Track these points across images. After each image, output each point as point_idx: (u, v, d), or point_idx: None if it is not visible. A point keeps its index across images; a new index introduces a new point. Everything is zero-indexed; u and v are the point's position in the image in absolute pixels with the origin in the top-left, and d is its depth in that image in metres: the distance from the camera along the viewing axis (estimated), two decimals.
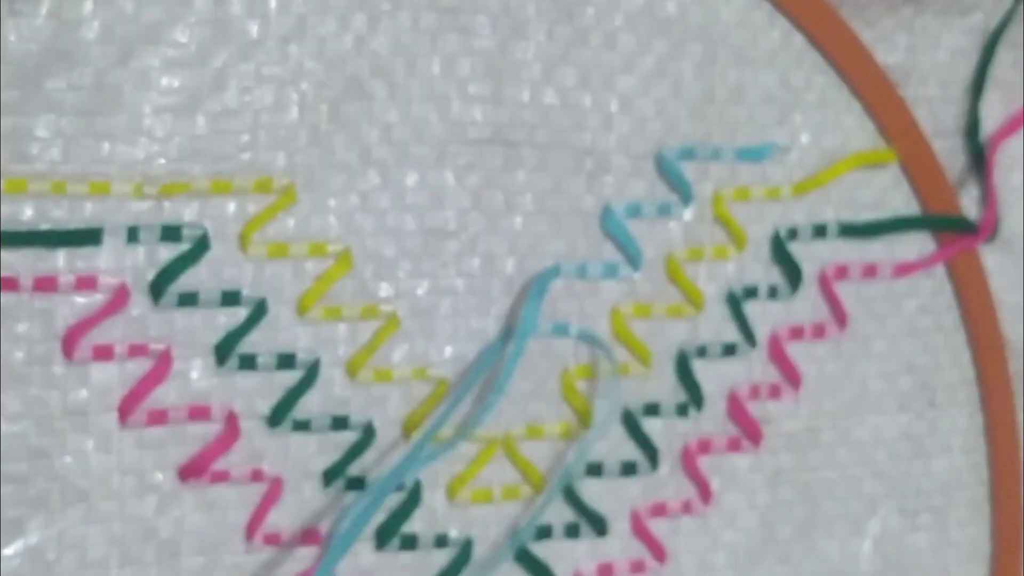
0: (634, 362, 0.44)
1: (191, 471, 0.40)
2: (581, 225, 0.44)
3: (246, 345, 0.41)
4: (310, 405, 0.41)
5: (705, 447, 0.45)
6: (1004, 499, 0.49)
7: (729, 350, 0.45)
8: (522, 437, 0.43)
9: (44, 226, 0.39)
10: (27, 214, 0.39)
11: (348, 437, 0.42)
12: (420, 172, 0.42)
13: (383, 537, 0.42)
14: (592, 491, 0.44)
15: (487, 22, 0.42)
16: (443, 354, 0.42)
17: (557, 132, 0.43)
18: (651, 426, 0.44)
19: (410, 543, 0.42)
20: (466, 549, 0.43)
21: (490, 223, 0.43)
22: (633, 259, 0.44)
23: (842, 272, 0.47)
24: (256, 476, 0.41)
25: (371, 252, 0.42)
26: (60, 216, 0.39)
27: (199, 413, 0.40)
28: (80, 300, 0.39)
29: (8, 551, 0.39)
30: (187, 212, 0.40)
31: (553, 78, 0.43)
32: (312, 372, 0.41)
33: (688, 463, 0.45)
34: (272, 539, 0.41)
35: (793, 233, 0.46)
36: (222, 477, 0.41)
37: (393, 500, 0.42)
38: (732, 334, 0.45)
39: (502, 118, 0.43)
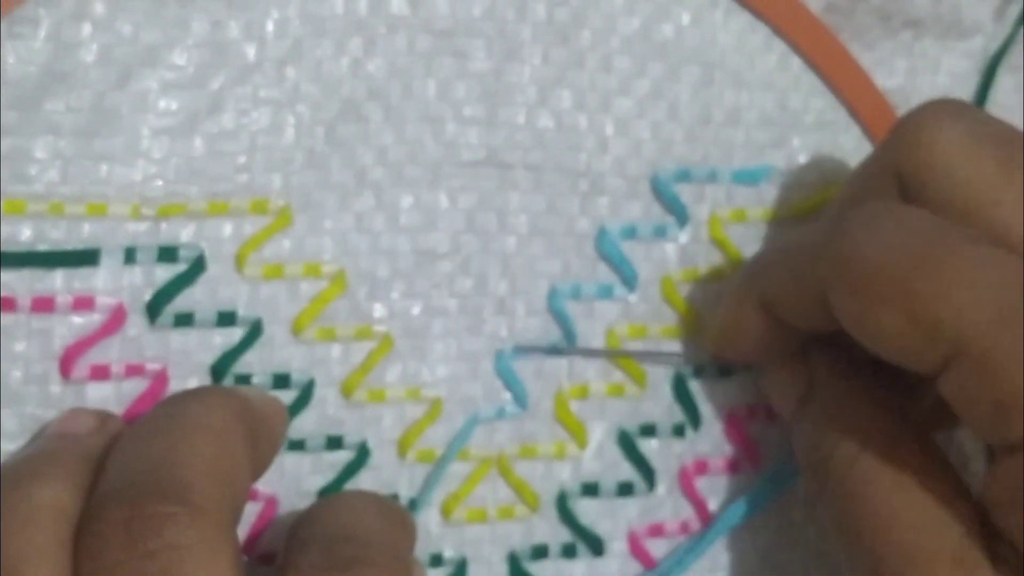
0: (629, 383, 0.44)
1: None
2: (575, 246, 0.44)
3: (241, 365, 0.41)
4: (305, 425, 0.41)
5: (703, 468, 0.45)
6: None
7: (726, 371, 0.45)
8: (516, 457, 0.43)
9: (42, 247, 0.39)
10: (25, 235, 0.39)
11: (343, 457, 0.42)
12: (414, 194, 0.42)
13: None
14: (589, 511, 0.44)
15: (482, 45, 0.43)
16: (436, 374, 0.43)
17: (552, 154, 0.43)
18: (647, 447, 0.44)
19: None
20: (461, 568, 0.43)
21: (483, 244, 0.43)
22: (628, 280, 0.44)
23: None
24: (251, 495, 0.41)
25: (365, 273, 0.42)
26: (58, 237, 0.39)
27: None
28: (77, 320, 0.40)
29: None
30: (184, 233, 0.40)
31: (548, 101, 0.43)
32: (307, 392, 0.41)
33: (686, 484, 0.45)
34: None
35: None
36: None
37: None
38: None
39: (496, 140, 0.43)
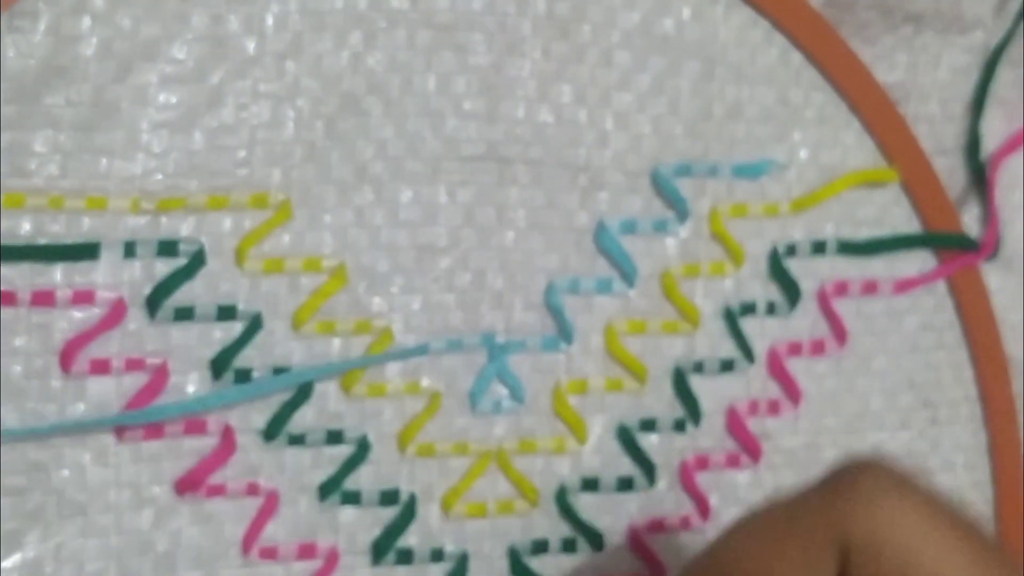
0: (628, 378, 0.44)
1: (188, 485, 0.41)
2: (575, 241, 0.44)
3: (241, 359, 0.41)
4: (305, 419, 0.41)
5: (703, 463, 0.45)
6: (1008, 517, 0.49)
7: (727, 366, 0.45)
8: (515, 452, 0.43)
9: (42, 241, 0.39)
10: (25, 229, 0.39)
11: (343, 451, 0.42)
12: (414, 188, 0.42)
13: (379, 552, 0.42)
14: (589, 506, 0.44)
15: (482, 39, 0.43)
16: (434, 368, 0.43)
17: (551, 149, 0.43)
18: (648, 441, 0.44)
19: (406, 557, 0.42)
20: (462, 563, 0.43)
21: (481, 239, 0.43)
22: (628, 275, 0.44)
23: (842, 289, 0.47)
24: (252, 490, 0.41)
25: (365, 267, 0.42)
26: (58, 231, 0.39)
27: (195, 427, 0.41)
28: (77, 314, 0.40)
29: (6, 564, 0.39)
30: (184, 227, 0.40)
31: (548, 95, 0.43)
32: (307, 386, 0.41)
33: (686, 479, 0.45)
34: (268, 553, 0.41)
35: (791, 250, 0.46)
36: (218, 491, 0.41)
37: (388, 514, 0.42)
38: (730, 350, 0.45)
39: (496, 135, 0.43)
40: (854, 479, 0.37)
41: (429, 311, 0.42)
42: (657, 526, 0.45)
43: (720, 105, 0.45)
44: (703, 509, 0.45)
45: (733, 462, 0.45)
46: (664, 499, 0.45)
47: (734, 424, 0.45)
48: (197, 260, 0.40)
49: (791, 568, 0.38)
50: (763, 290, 0.46)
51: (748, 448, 0.45)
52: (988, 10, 0.49)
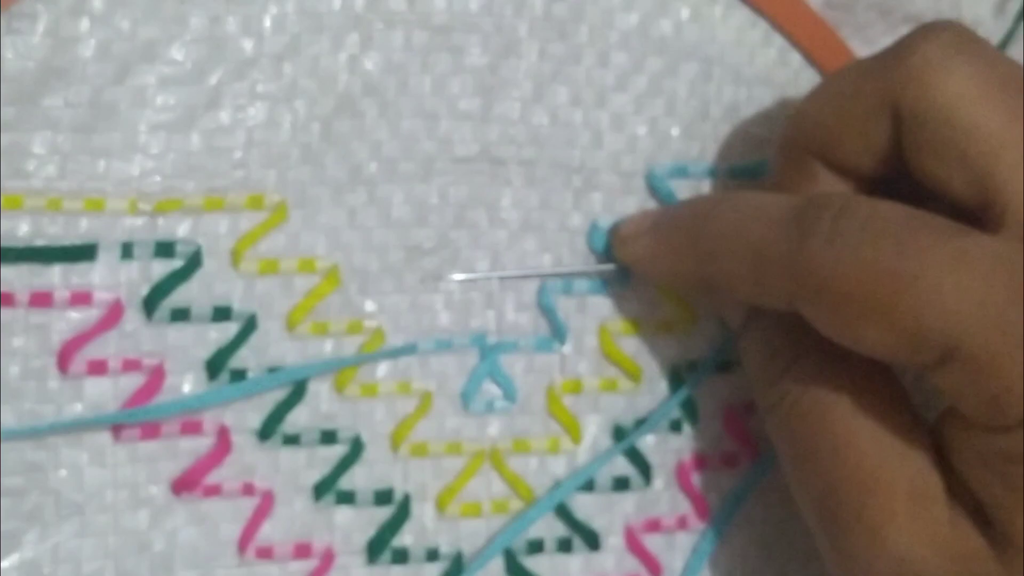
0: (623, 378, 0.44)
1: (184, 485, 0.41)
2: (568, 242, 0.44)
3: (237, 360, 0.41)
4: (299, 419, 0.42)
5: (700, 463, 0.45)
6: None
7: (723, 366, 0.45)
8: (509, 451, 0.43)
9: (40, 242, 0.40)
10: (23, 230, 0.39)
11: (337, 451, 0.42)
12: (407, 189, 0.42)
13: (374, 551, 0.42)
14: (585, 506, 0.44)
15: (479, 41, 0.43)
16: (425, 368, 0.43)
17: (546, 149, 0.43)
18: (643, 441, 0.44)
19: (401, 557, 0.43)
20: (457, 562, 0.43)
21: (472, 239, 0.43)
22: (622, 275, 0.44)
23: None
24: (247, 490, 0.41)
25: (357, 268, 0.42)
26: (56, 232, 0.40)
27: (191, 427, 0.41)
28: (75, 315, 0.40)
29: (4, 564, 0.39)
30: (181, 228, 0.41)
31: (544, 96, 0.43)
32: (301, 386, 0.42)
33: (683, 478, 0.45)
34: (264, 552, 0.42)
35: None
36: (214, 491, 0.41)
37: (383, 514, 0.43)
38: (726, 349, 0.45)
39: (490, 135, 0.43)
40: (914, 45, 0.38)
41: (418, 311, 0.43)
42: (653, 525, 0.45)
43: (718, 106, 0.45)
44: (699, 509, 0.45)
45: (730, 462, 0.45)
46: (660, 499, 0.45)
47: (731, 424, 0.45)
48: (194, 261, 0.41)
49: (851, 128, 0.39)
50: None
51: (745, 447, 0.45)
52: (988, 11, 0.48)
